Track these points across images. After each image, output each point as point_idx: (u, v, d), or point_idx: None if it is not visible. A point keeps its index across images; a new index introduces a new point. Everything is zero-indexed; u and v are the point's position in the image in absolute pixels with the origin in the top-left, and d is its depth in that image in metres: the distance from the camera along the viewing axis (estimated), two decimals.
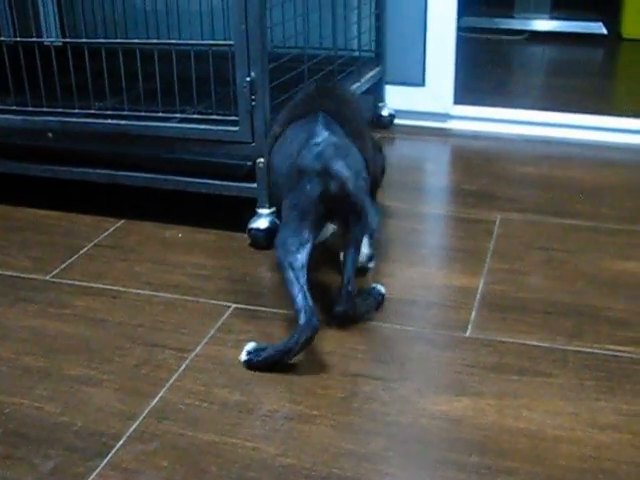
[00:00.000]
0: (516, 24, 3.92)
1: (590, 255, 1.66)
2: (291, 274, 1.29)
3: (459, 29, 3.73)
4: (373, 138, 1.63)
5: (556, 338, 1.37)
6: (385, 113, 2.48)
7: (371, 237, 1.58)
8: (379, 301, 1.47)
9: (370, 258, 1.58)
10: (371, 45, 2.38)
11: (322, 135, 1.35)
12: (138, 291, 1.54)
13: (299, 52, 1.85)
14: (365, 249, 1.54)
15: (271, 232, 1.67)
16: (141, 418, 1.18)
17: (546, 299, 1.49)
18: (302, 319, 1.25)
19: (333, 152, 1.32)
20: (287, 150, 1.39)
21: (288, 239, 1.31)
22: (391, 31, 2.42)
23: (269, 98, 1.62)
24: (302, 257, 1.30)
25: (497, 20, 3.94)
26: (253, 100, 1.59)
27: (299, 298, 1.27)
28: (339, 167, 1.28)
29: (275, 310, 1.46)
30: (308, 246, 1.32)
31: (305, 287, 1.28)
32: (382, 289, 1.49)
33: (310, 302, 1.27)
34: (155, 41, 1.67)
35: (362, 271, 1.56)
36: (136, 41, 1.69)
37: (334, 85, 1.65)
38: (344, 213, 1.35)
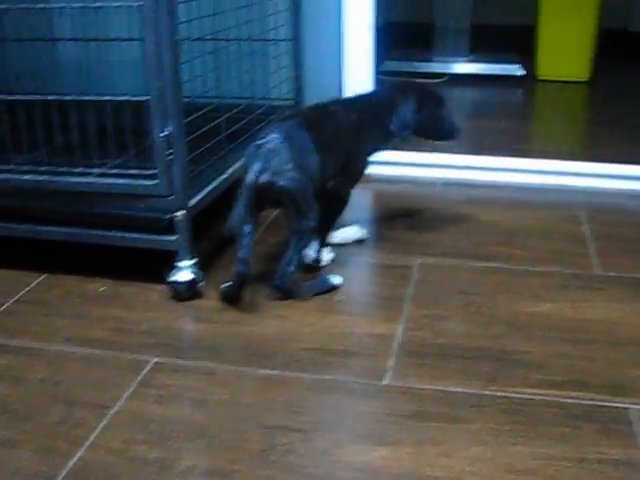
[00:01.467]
0: (436, 67, 4.01)
1: (507, 298, 1.70)
2: (239, 238, 1.61)
3: (380, 73, 3.81)
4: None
5: (473, 383, 1.39)
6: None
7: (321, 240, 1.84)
8: (324, 288, 1.72)
9: (318, 260, 1.84)
10: (290, 94, 2.42)
11: (269, 137, 1.63)
12: (59, 347, 1.53)
13: (216, 103, 1.87)
14: (311, 252, 1.81)
15: (192, 284, 1.68)
16: (60, 479, 1.17)
17: (464, 344, 1.52)
18: (235, 267, 1.61)
19: (265, 152, 1.61)
20: None
21: (235, 213, 1.63)
22: (309, 79, 2.46)
23: (186, 151, 1.63)
24: (246, 228, 1.61)
25: (417, 64, 4.02)
26: (170, 154, 1.60)
27: (238, 253, 1.61)
28: (261, 167, 1.59)
29: (196, 363, 1.47)
30: (251, 224, 1.62)
31: (246, 247, 1.60)
32: (334, 280, 1.74)
33: (244, 255, 1.60)
34: (70, 98, 1.67)
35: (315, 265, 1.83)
36: (52, 97, 1.68)
37: (332, 101, 1.87)
38: (274, 204, 1.66)
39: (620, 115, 3.33)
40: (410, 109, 1.86)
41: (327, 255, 1.86)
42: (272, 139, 1.62)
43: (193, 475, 1.17)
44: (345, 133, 1.78)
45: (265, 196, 1.62)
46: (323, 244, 1.85)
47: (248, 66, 2.13)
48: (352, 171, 1.85)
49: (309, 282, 1.73)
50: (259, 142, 1.63)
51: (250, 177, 1.60)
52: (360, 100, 1.89)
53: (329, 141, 1.72)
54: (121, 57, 2.17)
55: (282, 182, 1.60)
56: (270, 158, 1.60)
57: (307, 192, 1.64)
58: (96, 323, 1.62)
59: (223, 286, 1.68)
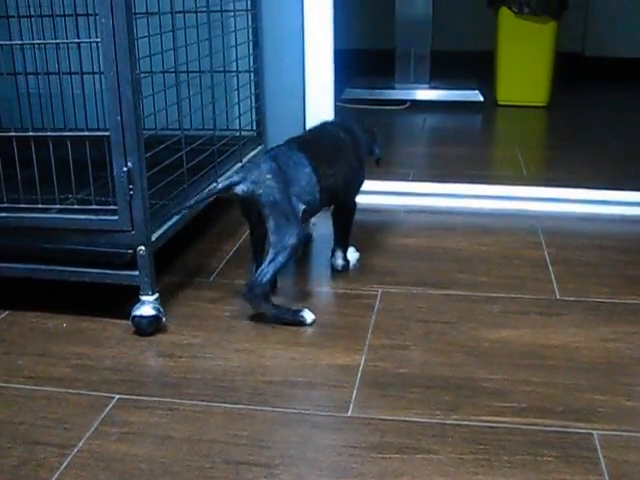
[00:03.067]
0: (397, 94, 4.05)
1: (468, 325, 1.71)
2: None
3: (342, 101, 3.85)
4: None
5: (435, 413, 1.40)
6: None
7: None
8: (294, 321, 1.73)
9: (346, 265, 2.00)
10: (252, 125, 2.43)
11: (263, 159, 1.74)
12: (20, 386, 1.52)
13: (179, 135, 1.87)
14: (339, 260, 2.00)
15: (155, 319, 1.68)
16: None
17: (426, 373, 1.53)
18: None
19: (247, 166, 1.75)
20: None
21: None
22: (271, 109, 2.48)
23: (147, 185, 1.64)
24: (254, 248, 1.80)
25: (379, 91, 4.06)
26: (131, 189, 1.60)
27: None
28: (238, 180, 1.70)
29: (160, 399, 1.46)
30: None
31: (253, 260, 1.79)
32: (308, 317, 1.74)
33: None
34: (31, 134, 1.67)
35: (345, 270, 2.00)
36: (12, 134, 1.68)
37: (330, 122, 2.04)
38: (256, 217, 1.74)
39: (577, 139, 3.39)
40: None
41: (353, 255, 2.05)
42: (258, 159, 1.76)
43: None
44: (345, 150, 1.92)
45: (249, 207, 1.74)
46: (346, 248, 2.01)
47: (209, 98, 2.14)
48: (354, 184, 1.98)
49: (283, 308, 1.75)
50: (251, 166, 1.74)
51: (224, 183, 1.72)
52: (345, 123, 2.01)
53: (329, 157, 1.84)
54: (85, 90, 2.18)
55: (260, 191, 1.68)
56: (251, 170, 1.71)
57: (285, 207, 1.70)
58: (58, 360, 1.61)
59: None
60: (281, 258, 1.70)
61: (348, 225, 2.00)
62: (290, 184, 1.72)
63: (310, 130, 2.01)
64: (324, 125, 2.00)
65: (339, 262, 1.99)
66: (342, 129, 1.96)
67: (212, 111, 2.15)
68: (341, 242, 2.00)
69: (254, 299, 1.72)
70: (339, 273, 1.98)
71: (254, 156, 2.37)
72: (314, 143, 1.86)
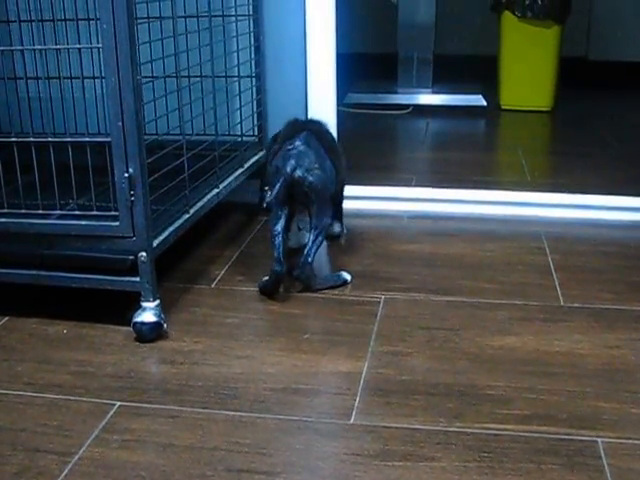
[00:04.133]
0: (400, 99, 4.04)
1: (471, 332, 1.70)
2: (272, 238, 1.87)
3: (344, 105, 3.84)
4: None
5: (439, 420, 1.39)
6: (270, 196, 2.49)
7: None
8: (338, 283, 1.94)
9: (339, 235, 2.21)
10: (254, 130, 2.42)
11: (295, 144, 1.87)
12: (20, 392, 1.51)
13: (180, 140, 1.86)
14: (336, 228, 2.19)
15: (156, 325, 1.67)
16: None
17: (429, 380, 1.52)
18: (272, 266, 1.84)
19: (295, 155, 1.85)
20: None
21: (272, 216, 1.89)
22: (272, 115, 2.47)
23: (148, 191, 1.63)
24: (278, 227, 1.88)
25: (381, 95, 4.05)
26: (132, 195, 1.59)
27: (274, 253, 1.85)
28: (295, 165, 1.83)
29: (161, 406, 1.45)
30: (282, 219, 1.89)
31: (279, 247, 1.86)
32: (347, 276, 1.96)
33: (278, 254, 1.85)
34: (32, 139, 1.66)
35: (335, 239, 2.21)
36: (13, 139, 1.67)
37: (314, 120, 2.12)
38: (301, 200, 1.89)
39: (581, 145, 3.37)
40: None
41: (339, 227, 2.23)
42: (298, 144, 1.88)
43: None
44: (335, 144, 2.08)
45: (296, 190, 1.86)
46: (341, 220, 2.22)
47: (211, 104, 2.13)
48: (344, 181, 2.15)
49: (325, 277, 1.96)
50: (289, 147, 1.87)
51: (287, 170, 1.83)
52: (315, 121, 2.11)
53: (332, 151, 1.99)
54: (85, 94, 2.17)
55: (311, 178, 1.85)
56: (301, 158, 1.85)
57: (328, 192, 1.92)
58: (59, 367, 1.60)
59: (261, 280, 1.90)
60: (321, 237, 1.91)
61: (340, 205, 2.20)
62: (325, 171, 1.90)
63: (305, 122, 2.07)
64: (311, 121, 2.10)
65: (336, 229, 2.19)
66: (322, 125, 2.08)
67: (214, 116, 2.14)
68: (337, 216, 2.18)
69: (307, 278, 1.89)
70: (341, 279, 1.97)
71: (255, 161, 2.35)
72: (324, 138, 1.98)
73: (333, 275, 1.96)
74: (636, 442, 1.33)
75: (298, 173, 1.84)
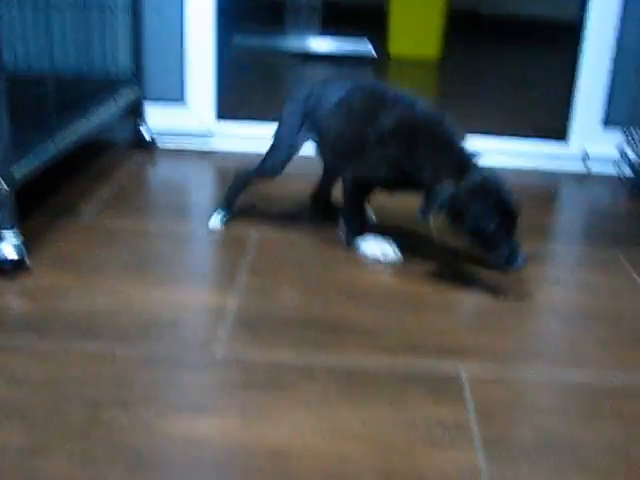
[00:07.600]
0: (288, 44, 3.99)
1: (343, 269, 1.69)
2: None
3: (230, 47, 3.77)
4: None
5: (305, 352, 1.38)
6: (146, 134, 2.44)
7: None
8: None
9: None
10: (129, 65, 2.34)
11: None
12: None
13: (45, 74, 1.79)
14: None
15: (18, 260, 1.60)
16: None
17: (297, 314, 1.50)
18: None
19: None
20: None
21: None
22: (149, 49, 2.39)
23: (8, 118, 1.54)
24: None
25: (268, 38, 3.99)
26: None
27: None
28: None
29: (17, 341, 1.39)
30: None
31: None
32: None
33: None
34: None
35: None
36: None
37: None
38: None
39: (468, 93, 3.40)
40: None
41: None
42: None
43: (5, 453, 1.11)
44: None
45: None
46: None
47: (83, 36, 2.05)
48: None
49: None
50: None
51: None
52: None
53: None
54: None
55: None
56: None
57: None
58: None
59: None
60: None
61: None
62: None
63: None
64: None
65: None
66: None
67: (86, 50, 2.06)
68: None
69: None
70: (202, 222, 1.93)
71: (131, 98, 2.28)
72: None
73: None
74: (497, 372, 1.34)
75: None
